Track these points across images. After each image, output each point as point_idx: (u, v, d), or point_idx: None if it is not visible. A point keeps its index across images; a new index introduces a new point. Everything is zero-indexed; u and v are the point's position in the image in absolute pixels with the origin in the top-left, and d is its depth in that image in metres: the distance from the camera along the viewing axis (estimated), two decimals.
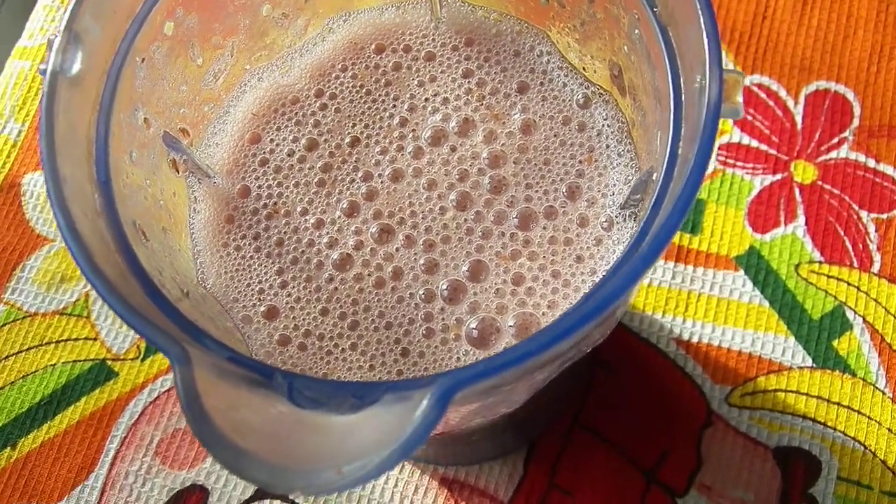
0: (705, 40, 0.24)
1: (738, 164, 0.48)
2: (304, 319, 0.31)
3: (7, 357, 0.48)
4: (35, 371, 0.47)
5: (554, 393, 0.42)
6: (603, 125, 0.32)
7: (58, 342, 0.48)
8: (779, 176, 0.48)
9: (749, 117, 0.49)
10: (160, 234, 0.29)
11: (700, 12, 0.24)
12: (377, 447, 0.21)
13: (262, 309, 0.31)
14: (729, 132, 0.48)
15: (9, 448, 0.46)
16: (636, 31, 0.28)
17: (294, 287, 0.32)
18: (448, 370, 0.26)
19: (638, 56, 0.29)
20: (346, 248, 0.32)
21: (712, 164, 0.48)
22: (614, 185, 0.32)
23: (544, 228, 0.31)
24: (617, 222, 0.31)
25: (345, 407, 0.23)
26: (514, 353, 0.22)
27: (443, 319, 0.31)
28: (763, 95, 0.49)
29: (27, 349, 0.48)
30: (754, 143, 0.48)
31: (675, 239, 0.47)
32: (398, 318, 0.31)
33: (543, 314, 0.30)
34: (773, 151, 0.48)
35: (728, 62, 0.50)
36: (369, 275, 0.31)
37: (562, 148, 0.32)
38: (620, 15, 0.29)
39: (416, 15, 0.35)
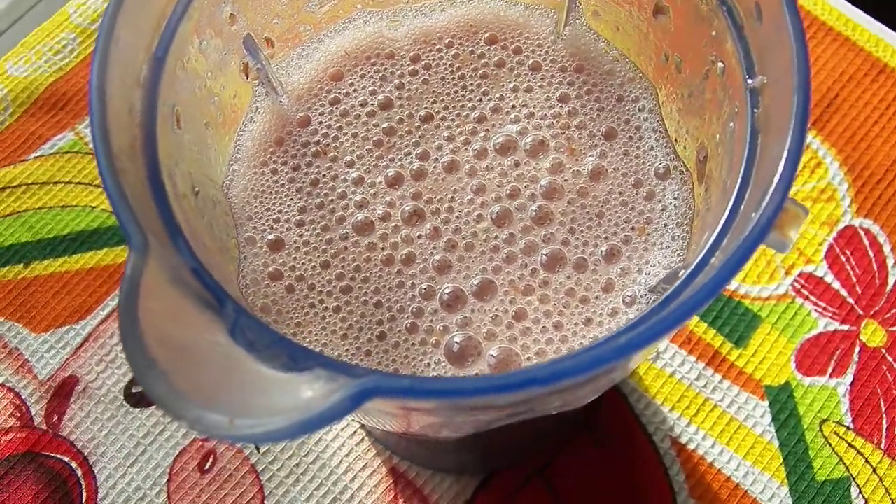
0: (783, 159, 0.22)
1: (812, 298, 0.45)
2: (303, 263, 0.31)
3: (56, 182, 0.49)
4: (74, 206, 0.48)
5: (528, 435, 0.41)
6: (671, 203, 0.31)
7: None
8: (845, 327, 0.45)
9: (843, 258, 0.46)
10: (200, 127, 0.29)
11: (791, 129, 0.22)
12: (276, 414, 0.20)
13: (270, 237, 0.31)
14: (817, 264, 0.46)
15: (21, 265, 0.47)
16: (731, 125, 0.26)
17: (308, 229, 0.31)
18: (384, 373, 0.25)
19: (724, 150, 0.27)
20: (373, 215, 0.31)
21: (785, 287, 0.45)
22: (654, 265, 0.30)
23: (567, 277, 0.30)
24: (639, 302, 0.29)
25: (276, 362, 0.23)
26: (448, 385, 0.21)
27: (431, 321, 0.30)
28: (866, 242, 0.46)
29: (76, 183, 0.49)
30: (836, 285, 0.46)
31: (716, 344, 0.45)
32: (390, 301, 0.30)
33: (528, 359, 0.29)
34: (851, 300, 0.45)
35: (848, 196, 0.47)
36: (383, 248, 0.31)
37: (621, 208, 0.31)
38: (724, 102, 0.27)
39: (540, 21, 0.34)
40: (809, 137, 0.48)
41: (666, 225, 0.30)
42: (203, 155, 0.29)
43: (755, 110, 0.25)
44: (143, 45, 0.25)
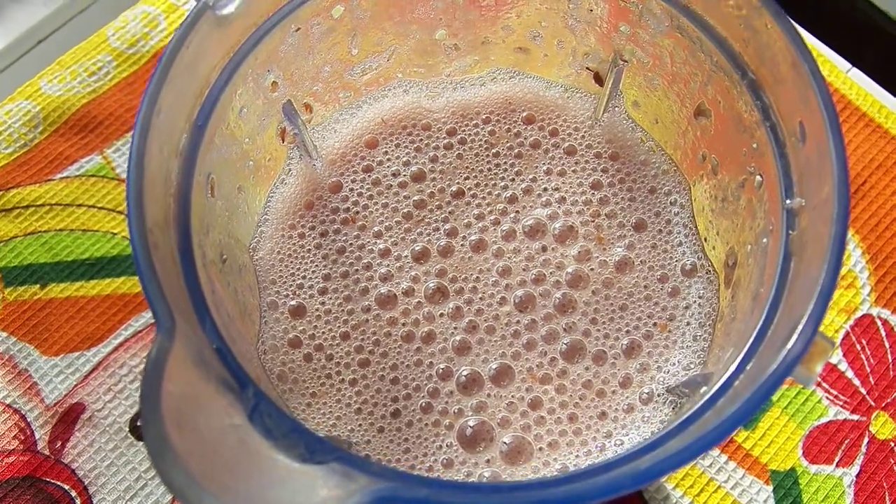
0: (815, 296, 0.22)
1: (824, 385, 0.45)
2: (323, 333, 0.30)
3: (79, 205, 0.49)
4: (96, 230, 0.48)
5: None
6: (695, 302, 0.31)
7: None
8: (855, 417, 0.45)
9: (858, 347, 0.46)
10: (233, 191, 0.29)
11: (826, 264, 0.22)
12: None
13: (293, 303, 0.31)
14: (832, 353, 0.46)
15: (38, 286, 0.47)
16: (765, 241, 0.26)
17: (331, 299, 0.31)
18: (404, 474, 0.25)
19: (755, 263, 0.27)
20: (397, 289, 0.31)
21: None
22: (675, 364, 0.30)
23: (586, 369, 0.30)
24: (656, 401, 0.29)
25: (292, 452, 0.22)
26: (468, 498, 0.21)
27: (446, 402, 0.30)
28: (882, 332, 0.46)
29: (99, 207, 0.49)
30: (849, 374, 0.45)
31: None
32: (407, 379, 0.30)
33: (540, 448, 0.29)
34: (863, 390, 0.45)
35: (868, 285, 0.47)
36: (404, 324, 0.31)
37: (645, 303, 0.31)
38: (759, 215, 0.27)
39: (579, 105, 0.34)
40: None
41: (689, 324, 0.30)
42: (234, 219, 0.29)
43: (790, 232, 0.25)
44: (184, 113, 0.25)
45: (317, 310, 0.31)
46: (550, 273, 0.31)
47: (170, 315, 0.22)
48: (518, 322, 0.31)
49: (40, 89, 0.51)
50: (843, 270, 0.48)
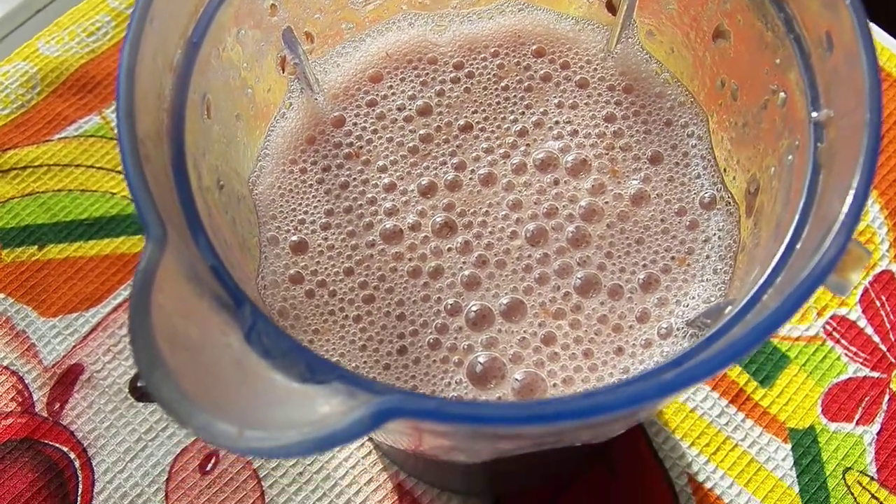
0: (850, 198, 0.21)
1: (843, 342, 0.44)
2: (326, 269, 0.29)
3: (78, 166, 0.48)
4: (95, 191, 0.47)
5: (540, 463, 0.39)
6: (715, 234, 0.29)
7: None
8: (876, 374, 0.43)
9: (878, 303, 0.44)
10: (230, 119, 0.28)
11: (860, 167, 0.21)
12: (290, 427, 0.19)
13: (294, 239, 0.30)
14: (850, 307, 0.44)
15: (36, 247, 0.46)
16: (790, 157, 0.25)
17: (334, 234, 0.30)
18: (407, 391, 0.24)
19: (780, 184, 0.25)
20: (403, 224, 0.30)
21: (816, 329, 0.44)
22: (693, 297, 0.29)
23: (601, 304, 0.29)
24: (675, 335, 0.28)
25: (292, 372, 0.21)
26: (476, 411, 0.19)
27: (455, 338, 0.28)
28: None
29: (98, 168, 0.48)
30: (869, 330, 0.44)
31: (741, 381, 0.43)
32: (413, 315, 0.29)
33: (554, 385, 0.28)
34: (883, 347, 0.44)
35: (887, 241, 0.46)
36: (410, 259, 0.29)
37: (662, 236, 0.30)
38: (784, 134, 0.26)
39: (591, 37, 0.32)
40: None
41: (708, 257, 0.29)
42: (231, 148, 0.28)
43: (818, 144, 0.23)
44: (178, 28, 0.24)
45: (319, 245, 0.29)
46: (563, 206, 0.30)
47: (160, 224, 0.21)
48: (530, 256, 0.29)
49: (38, 50, 0.50)
50: (861, 226, 0.46)
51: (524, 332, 0.28)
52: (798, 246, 0.22)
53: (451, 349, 0.28)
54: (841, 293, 0.21)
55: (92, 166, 0.48)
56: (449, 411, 0.19)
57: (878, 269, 0.45)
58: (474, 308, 0.29)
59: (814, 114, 0.24)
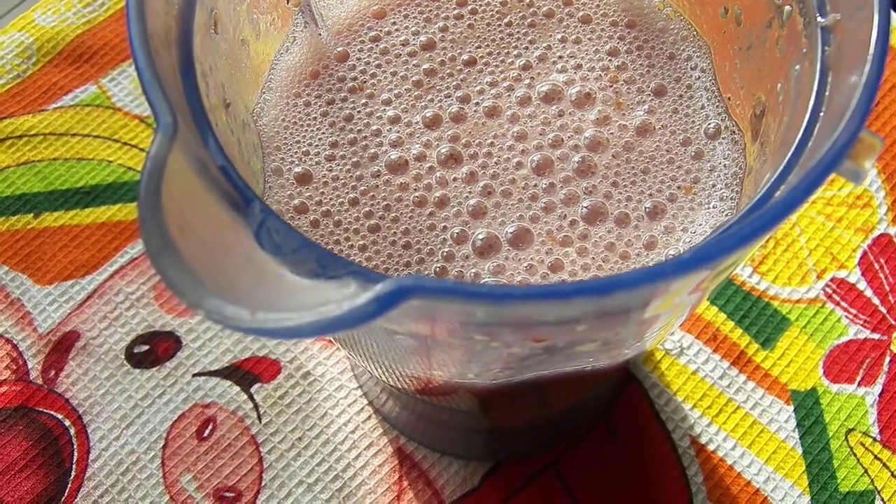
0: (861, 86, 0.21)
1: (843, 304, 0.44)
2: (331, 199, 0.29)
3: (74, 135, 0.47)
4: (92, 159, 0.47)
5: (543, 422, 0.39)
6: (720, 163, 0.29)
7: (125, 144, 0.47)
8: (876, 336, 0.43)
9: (877, 266, 0.44)
10: (236, 42, 0.27)
11: (871, 56, 0.21)
12: (301, 308, 0.19)
13: (298, 170, 0.29)
14: (850, 270, 0.44)
15: (31, 215, 0.46)
16: (797, 67, 0.25)
17: (339, 164, 0.29)
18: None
19: (786, 97, 0.25)
20: (408, 155, 0.30)
21: (816, 291, 0.44)
22: (700, 225, 0.28)
23: (608, 231, 0.29)
24: None
25: (303, 268, 0.21)
26: (495, 289, 0.19)
27: (462, 266, 0.28)
28: None
29: (94, 136, 0.47)
30: (868, 293, 0.44)
31: (742, 344, 0.43)
32: (419, 244, 0.28)
33: None
34: (883, 309, 0.44)
35: (885, 204, 0.46)
36: (415, 189, 0.29)
37: (668, 166, 0.29)
38: (789, 49, 0.26)
39: None
40: None
41: (714, 185, 0.29)
42: (237, 72, 0.28)
43: (826, 48, 0.23)
44: None
45: (324, 176, 0.29)
46: (568, 137, 0.30)
47: (170, 111, 0.20)
48: (535, 185, 0.29)
49: (34, 21, 0.50)
50: (859, 190, 0.46)
51: (531, 259, 0.28)
52: (809, 144, 0.22)
53: (458, 276, 0.28)
54: (855, 180, 0.21)
55: (88, 135, 0.47)
56: (467, 289, 0.19)
57: (876, 233, 0.45)
58: (481, 236, 0.29)
59: (821, 19, 0.24)
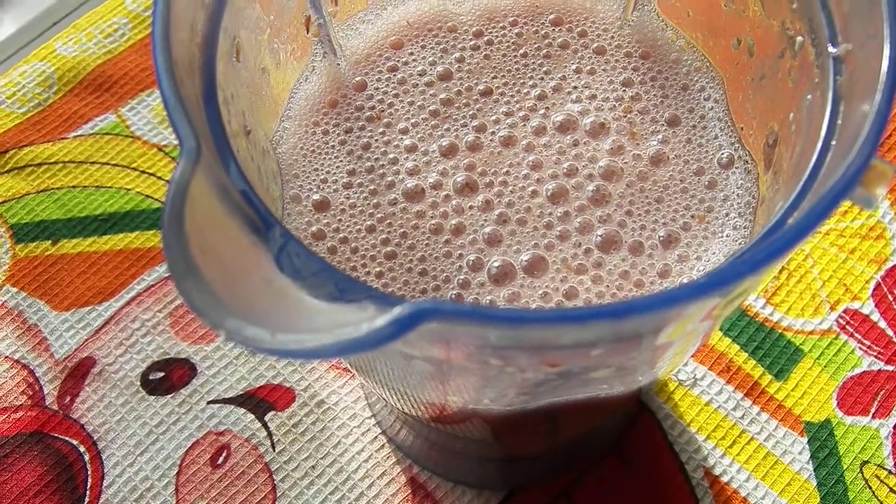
0: (873, 114, 0.21)
1: (857, 335, 0.44)
2: (348, 226, 0.29)
3: (93, 163, 0.48)
4: (109, 187, 0.47)
5: (556, 450, 0.39)
6: (733, 192, 0.30)
7: (143, 172, 0.48)
8: (890, 367, 0.43)
9: (890, 297, 0.44)
10: (257, 70, 0.28)
11: (882, 84, 0.21)
12: (320, 331, 0.19)
13: (316, 197, 0.30)
14: (863, 301, 0.45)
15: (49, 242, 0.46)
16: (809, 97, 0.25)
17: (356, 192, 0.30)
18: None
19: (799, 127, 0.26)
20: (424, 183, 0.30)
21: (830, 323, 0.44)
22: (714, 254, 0.29)
23: (622, 260, 0.29)
24: None
25: (322, 292, 0.21)
26: (511, 313, 0.19)
27: (477, 293, 0.28)
28: None
29: (113, 164, 0.48)
30: (882, 324, 0.44)
31: (755, 375, 0.43)
32: (435, 271, 0.29)
33: None
34: None
35: None
36: (432, 217, 0.30)
37: (681, 195, 0.30)
38: (802, 79, 0.26)
39: (607, 6, 0.33)
40: None
41: (727, 214, 0.29)
42: (257, 100, 0.28)
43: (837, 78, 0.24)
44: None
45: (341, 203, 0.30)
46: (583, 166, 0.30)
47: (194, 136, 0.21)
48: (551, 214, 0.29)
49: (55, 51, 0.51)
50: (872, 221, 0.47)
51: (546, 286, 0.28)
52: (821, 172, 0.23)
53: (474, 304, 0.28)
54: (867, 207, 0.21)
55: (107, 163, 0.48)
56: (484, 312, 0.19)
57: (889, 264, 0.45)
58: (496, 264, 0.29)
59: (832, 49, 0.24)
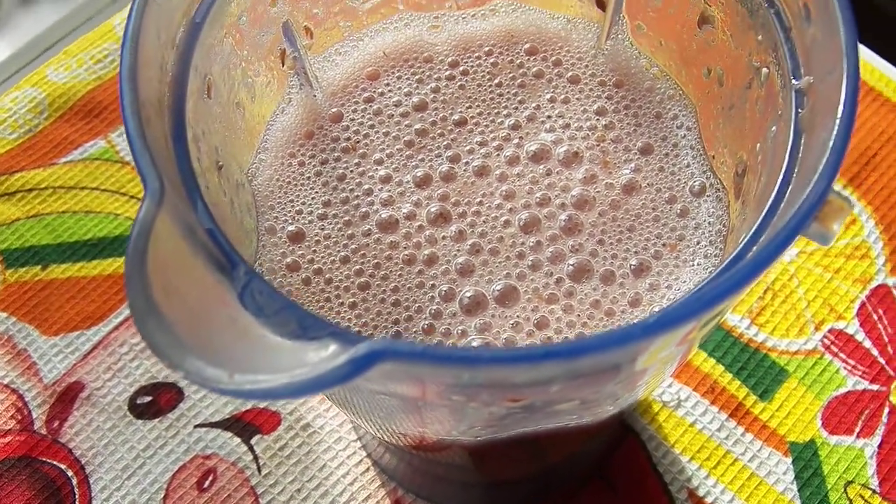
0: (829, 148, 0.21)
1: (841, 355, 0.44)
2: (322, 257, 0.30)
3: (83, 188, 0.48)
4: (99, 212, 0.48)
5: (539, 475, 0.39)
6: (705, 220, 0.30)
7: (132, 197, 0.48)
8: (875, 387, 0.43)
9: (875, 317, 0.45)
10: (231, 105, 0.28)
11: (839, 118, 0.21)
12: (279, 370, 0.19)
13: (291, 229, 0.30)
14: (848, 321, 0.45)
15: (39, 267, 0.47)
16: (773, 129, 0.25)
17: (331, 223, 0.30)
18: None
19: (764, 157, 0.26)
20: (398, 214, 0.30)
21: (814, 343, 0.44)
22: (685, 282, 0.29)
23: (594, 289, 0.29)
24: None
25: (284, 329, 0.22)
26: (462, 353, 0.20)
27: (449, 324, 0.29)
28: None
29: (102, 190, 0.48)
30: (867, 344, 0.44)
31: (740, 395, 0.43)
32: (408, 301, 0.29)
33: None
34: (881, 360, 0.44)
35: (882, 255, 0.46)
36: (405, 247, 0.30)
37: (653, 223, 0.30)
38: (767, 109, 0.26)
39: (582, 35, 0.33)
40: (846, 194, 0.47)
41: (699, 242, 0.29)
42: (231, 135, 0.28)
43: (799, 111, 0.24)
44: (182, 6, 0.25)
45: (316, 235, 0.30)
46: (556, 195, 0.30)
47: (158, 177, 0.21)
48: (523, 243, 0.30)
49: (46, 77, 0.51)
50: (857, 241, 0.47)
51: (517, 316, 0.29)
52: (780, 208, 0.23)
53: (446, 334, 0.28)
54: (824, 243, 0.21)
55: (97, 188, 0.48)
56: (436, 353, 0.20)
57: (874, 283, 0.46)
58: (468, 294, 0.29)
59: (795, 82, 0.24)
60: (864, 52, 0.51)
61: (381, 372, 0.20)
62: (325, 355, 0.20)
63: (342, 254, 0.30)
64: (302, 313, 0.22)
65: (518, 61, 0.33)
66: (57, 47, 0.55)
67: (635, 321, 0.28)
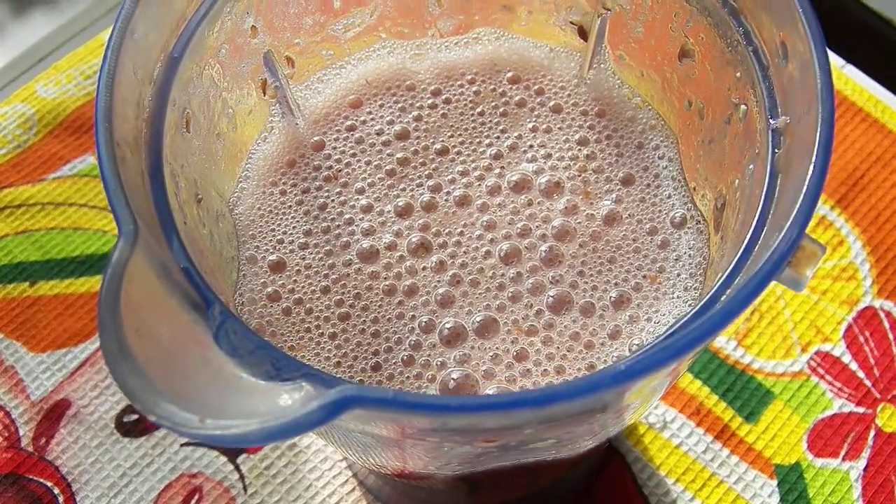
0: (802, 194, 0.21)
1: (827, 377, 0.44)
2: (303, 287, 0.30)
3: (72, 204, 0.49)
4: (87, 229, 0.48)
5: (523, 499, 0.39)
6: (685, 252, 0.30)
7: None
8: (861, 409, 0.43)
9: (861, 339, 0.45)
10: (211, 136, 0.28)
11: (813, 163, 0.21)
12: (251, 417, 0.19)
13: (272, 258, 0.30)
14: (834, 343, 0.45)
15: (27, 283, 0.47)
16: (751, 167, 0.25)
17: (312, 253, 0.30)
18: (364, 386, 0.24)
19: (742, 193, 0.26)
20: (379, 244, 0.30)
21: (801, 365, 0.44)
22: (664, 314, 0.29)
23: (573, 321, 0.29)
24: None
25: (258, 370, 0.22)
26: (432, 400, 0.20)
27: (429, 355, 0.29)
28: (886, 324, 0.45)
29: (91, 207, 0.48)
30: (853, 366, 0.44)
31: (726, 418, 0.43)
32: (388, 332, 0.29)
33: None
34: (868, 383, 0.44)
35: (869, 277, 0.46)
36: (385, 278, 0.30)
37: (634, 255, 0.30)
38: (745, 146, 0.26)
39: (565, 64, 0.33)
40: (833, 216, 0.48)
41: (679, 274, 0.30)
42: (211, 165, 0.29)
43: (776, 151, 0.24)
44: (160, 42, 0.25)
45: (297, 264, 0.30)
46: (536, 226, 0.30)
47: (132, 219, 0.21)
48: (503, 275, 0.30)
49: (35, 92, 0.51)
50: (844, 262, 0.47)
51: (497, 348, 0.29)
52: (756, 248, 0.23)
53: (425, 366, 0.28)
54: (796, 288, 0.21)
55: (85, 205, 0.48)
56: (405, 400, 0.20)
57: (861, 305, 0.46)
58: (448, 325, 0.29)
59: (772, 121, 0.24)
60: (853, 72, 0.51)
61: (354, 416, 0.20)
62: (297, 398, 0.20)
63: (323, 283, 0.30)
64: (276, 354, 0.22)
65: (501, 90, 0.33)
66: (50, 58, 0.55)
67: (614, 354, 0.28)
